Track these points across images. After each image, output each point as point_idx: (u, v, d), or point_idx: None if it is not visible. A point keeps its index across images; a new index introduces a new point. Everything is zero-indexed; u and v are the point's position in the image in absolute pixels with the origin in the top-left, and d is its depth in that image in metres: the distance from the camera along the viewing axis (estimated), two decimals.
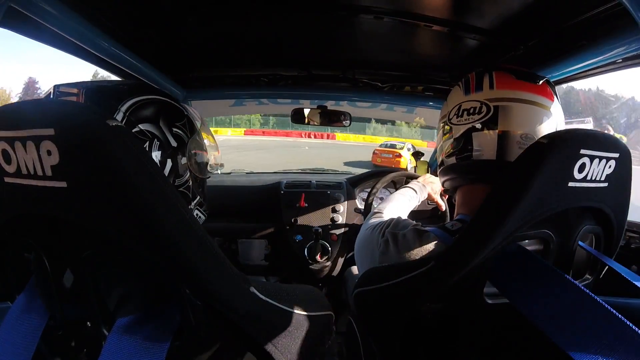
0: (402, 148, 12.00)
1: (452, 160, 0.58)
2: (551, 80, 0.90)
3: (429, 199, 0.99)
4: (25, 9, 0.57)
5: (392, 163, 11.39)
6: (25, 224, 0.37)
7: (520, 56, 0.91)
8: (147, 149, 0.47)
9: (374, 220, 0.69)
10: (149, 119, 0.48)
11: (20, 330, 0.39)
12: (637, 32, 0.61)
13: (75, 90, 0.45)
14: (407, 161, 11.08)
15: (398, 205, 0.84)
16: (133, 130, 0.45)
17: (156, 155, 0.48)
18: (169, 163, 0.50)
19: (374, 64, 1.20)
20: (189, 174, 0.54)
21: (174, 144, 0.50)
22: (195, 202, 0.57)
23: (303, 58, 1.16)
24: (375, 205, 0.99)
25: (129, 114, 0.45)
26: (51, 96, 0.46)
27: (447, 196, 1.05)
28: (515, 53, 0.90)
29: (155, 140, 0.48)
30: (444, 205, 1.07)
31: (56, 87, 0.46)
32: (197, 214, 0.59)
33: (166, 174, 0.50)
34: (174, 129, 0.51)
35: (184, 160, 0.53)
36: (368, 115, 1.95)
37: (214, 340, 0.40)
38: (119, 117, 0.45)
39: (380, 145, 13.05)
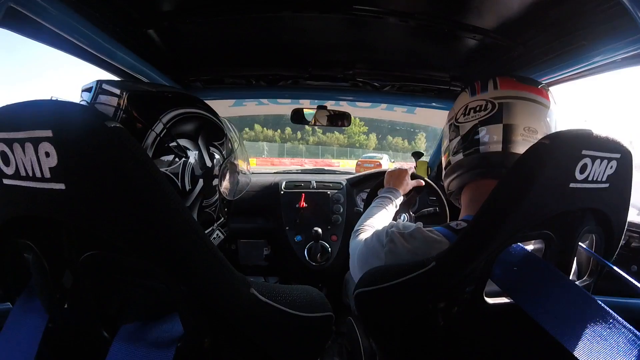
0: (381, 159, 16.74)
1: (459, 156, 0.60)
2: (550, 80, 0.91)
3: (405, 193, 0.94)
4: (25, 8, 0.57)
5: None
6: (24, 225, 0.37)
7: (520, 55, 0.91)
8: (180, 166, 0.44)
9: (365, 235, 0.68)
10: (188, 134, 0.45)
11: (20, 332, 0.39)
12: (637, 32, 0.61)
13: (117, 91, 0.42)
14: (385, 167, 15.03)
15: (381, 217, 0.80)
16: (170, 145, 0.44)
17: (189, 173, 0.46)
18: (200, 183, 0.48)
19: (373, 64, 1.19)
20: (218, 195, 0.52)
21: (208, 164, 0.48)
22: (218, 223, 0.55)
23: (303, 58, 1.15)
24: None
25: (170, 126, 0.43)
26: (92, 91, 0.43)
27: (422, 185, 1.03)
28: (516, 53, 0.90)
29: (191, 158, 0.46)
30: (422, 181, 1.03)
31: (99, 82, 0.44)
32: (217, 234, 0.56)
33: (195, 194, 0.47)
34: (211, 148, 0.49)
35: (215, 182, 0.50)
36: (368, 116, 1.96)
37: (215, 343, 0.40)
38: (159, 128, 0.42)
39: (362, 157, 18.28)
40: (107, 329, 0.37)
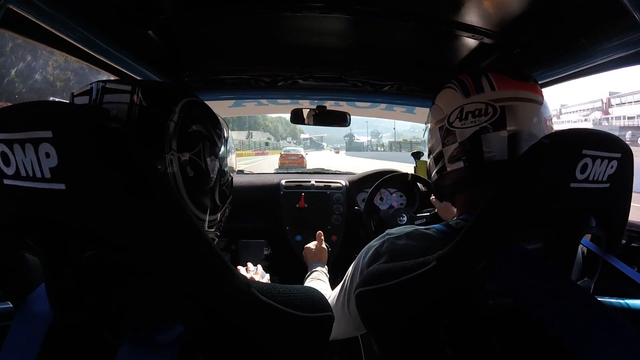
0: (299, 152, 19.98)
1: (459, 164, 0.57)
2: (550, 80, 0.92)
3: (325, 260, 1.13)
4: (24, 10, 0.57)
5: (297, 163, 16.88)
6: (25, 225, 0.37)
7: (519, 55, 0.91)
8: (201, 150, 0.46)
9: (337, 286, 0.68)
10: (198, 119, 0.47)
11: (22, 333, 0.39)
12: (637, 31, 0.61)
13: (127, 88, 0.41)
14: (306, 160, 18.19)
15: (324, 285, 0.93)
16: (188, 131, 0.45)
17: (209, 157, 0.47)
18: (217, 163, 0.50)
19: (373, 64, 1.20)
20: (228, 172, 0.55)
21: (219, 144, 0.50)
22: (229, 200, 0.57)
23: (303, 58, 1.15)
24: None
25: (183, 114, 0.44)
26: (93, 93, 0.42)
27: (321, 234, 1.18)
28: (515, 52, 0.90)
29: (207, 141, 0.47)
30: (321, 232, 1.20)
31: (100, 83, 0.42)
32: (227, 211, 0.58)
33: (216, 173, 0.49)
34: (216, 130, 0.51)
35: (224, 160, 0.53)
36: (368, 115, 1.96)
37: (215, 343, 0.40)
38: (176, 118, 0.43)
39: (284, 151, 21.17)
40: (110, 329, 0.37)
